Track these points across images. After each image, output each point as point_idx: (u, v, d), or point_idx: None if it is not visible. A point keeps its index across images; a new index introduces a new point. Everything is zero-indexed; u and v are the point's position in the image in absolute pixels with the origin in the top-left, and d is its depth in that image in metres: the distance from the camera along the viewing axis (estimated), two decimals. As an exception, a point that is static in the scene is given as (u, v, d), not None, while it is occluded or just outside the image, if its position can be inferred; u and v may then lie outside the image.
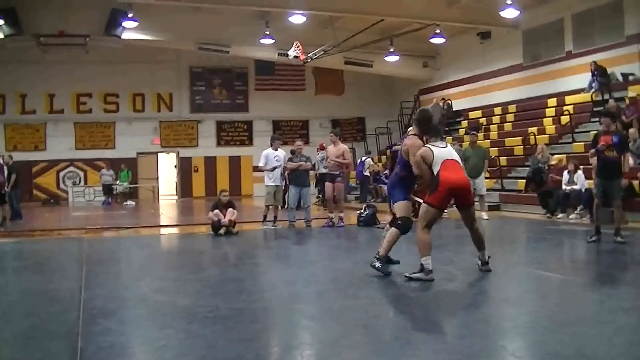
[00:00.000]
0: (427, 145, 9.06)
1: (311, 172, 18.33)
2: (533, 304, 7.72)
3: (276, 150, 17.15)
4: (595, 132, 20.31)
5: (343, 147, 17.18)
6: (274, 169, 16.82)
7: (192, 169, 35.39)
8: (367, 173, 27.05)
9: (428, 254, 8.61)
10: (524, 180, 20.56)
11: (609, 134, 12.26)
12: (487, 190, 19.57)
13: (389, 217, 17.79)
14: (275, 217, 17.08)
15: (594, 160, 12.69)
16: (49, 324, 6.91)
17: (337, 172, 16.96)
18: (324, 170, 18.63)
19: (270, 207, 17.07)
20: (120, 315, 7.30)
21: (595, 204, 12.59)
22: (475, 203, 17.98)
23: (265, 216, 17.02)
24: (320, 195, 23.54)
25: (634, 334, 6.17)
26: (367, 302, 7.72)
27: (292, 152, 17.98)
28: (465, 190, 9.01)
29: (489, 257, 9.20)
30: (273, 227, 16.75)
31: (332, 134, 17.59)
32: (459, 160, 9.14)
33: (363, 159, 27.78)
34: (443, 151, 8.97)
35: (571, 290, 8.50)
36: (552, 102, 24.81)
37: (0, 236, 16.65)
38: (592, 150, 12.45)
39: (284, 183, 17.76)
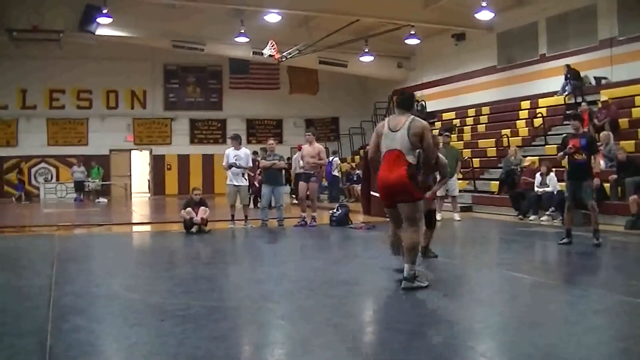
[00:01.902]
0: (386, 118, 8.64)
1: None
2: (504, 305, 7.76)
3: (237, 149, 16.95)
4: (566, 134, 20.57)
5: (319, 147, 17.19)
6: (230, 167, 16.59)
7: (165, 167, 35.27)
8: (335, 173, 27.12)
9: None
10: (497, 182, 20.66)
11: (577, 136, 12.33)
12: (460, 191, 19.65)
13: (361, 217, 17.93)
14: (246, 216, 16.97)
15: (565, 162, 12.78)
16: (18, 321, 6.85)
17: (312, 172, 16.95)
18: (300, 170, 18.51)
19: (239, 206, 16.91)
20: (90, 312, 7.25)
21: (566, 206, 12.66)
22: (448, 204, 18.24)
23: (233, 215, 16.88)
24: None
25: (603, 335, 6.22)
26: (337, 301, 7.71)
27: (264, 150, 17.86)
28: (389, 188, 8.25)
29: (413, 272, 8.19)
30: (244, 226, 16.68)
31: (309, 134, 17.55)
32: (403, 149, 8.11)
33: (331, 159, 27.87)
34: (389, 136, 8.27)
35: (541, 292, 8.55)
36: (526, 104, 24.97)
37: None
38: (561, 154, 12.55)
39: (247, 182, 17.48)
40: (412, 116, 8.28)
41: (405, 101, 8.59)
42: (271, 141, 18.05)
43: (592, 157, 12.24)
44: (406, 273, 8.01)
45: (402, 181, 8.08)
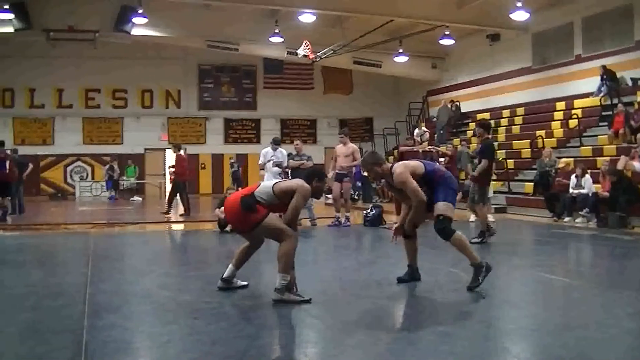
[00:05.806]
0: None
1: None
2: (537, 307, 7.72)
3: (275, 150, 17.07)
4: (603, 136, 20.44)
5: (353, 147, 17.22)
6: (275, 165, 16.71)
7: (199, 166, 35.42)
8: (365, 173, 27.08)
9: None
10: (531, 183, 20.53)
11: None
12: (494, 192, 19.55)
13: (394, 218, 17.86)
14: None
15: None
16: (53, 318, 6.94)
17: (345, 172, 16.99)
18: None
19: None
20: (124, 310, 7.32)
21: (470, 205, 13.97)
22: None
23: None
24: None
25: (637, 339, 6.17)
26: (370, 301, 7.72)
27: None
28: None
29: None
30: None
31: (341, 135, 17.62)
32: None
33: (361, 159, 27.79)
34: None
35: (575, 294, 8.49)
36: (561, 105, 24.72)
37: (5, 230, 16.76)
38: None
39: None
40: None
41: None
42: (297, 142, 18.14)
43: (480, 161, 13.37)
44: (277, 283, 7.64)
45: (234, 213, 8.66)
